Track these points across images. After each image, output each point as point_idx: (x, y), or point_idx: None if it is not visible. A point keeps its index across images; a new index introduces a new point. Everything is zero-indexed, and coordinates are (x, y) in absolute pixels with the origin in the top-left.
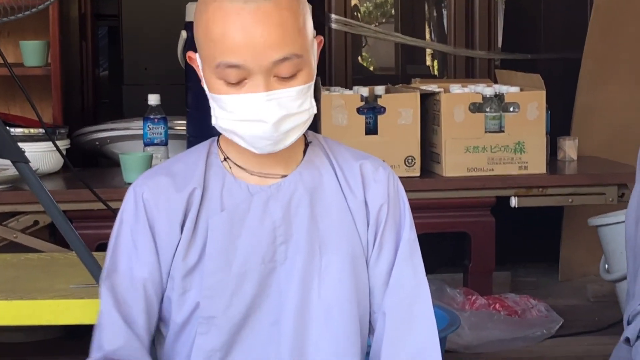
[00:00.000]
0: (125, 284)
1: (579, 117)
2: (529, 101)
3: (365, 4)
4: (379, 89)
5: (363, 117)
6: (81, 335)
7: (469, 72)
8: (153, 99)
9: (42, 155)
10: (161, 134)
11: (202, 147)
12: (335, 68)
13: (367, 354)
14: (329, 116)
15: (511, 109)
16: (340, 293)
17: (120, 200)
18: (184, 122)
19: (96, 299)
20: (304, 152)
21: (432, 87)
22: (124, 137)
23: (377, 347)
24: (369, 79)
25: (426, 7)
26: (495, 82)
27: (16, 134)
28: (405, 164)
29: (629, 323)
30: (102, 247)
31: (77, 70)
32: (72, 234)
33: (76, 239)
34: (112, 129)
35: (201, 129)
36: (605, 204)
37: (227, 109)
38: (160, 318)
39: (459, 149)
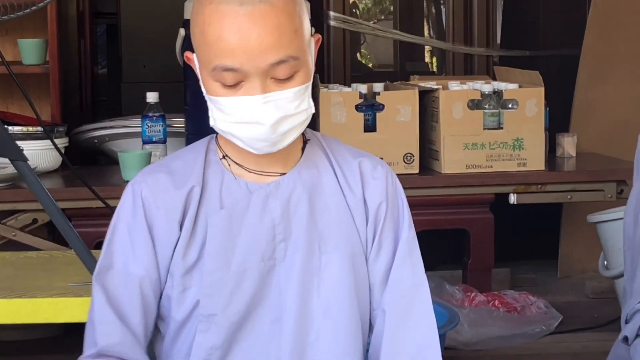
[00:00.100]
0: (119, 281)
1: (578, 113)
2: (527, 98)
3: (363, 1)
4: (378, 86)
5: (362, 114)
6: (80, 333)
7: (467, 69)
8: (151, 97)
9: (41, 153)
10: (160, 131)
11: (200, 145)
12: (334, 65)
13: (367, 351)
14: (328, 113)
15: (510, 106)
16: (340, 291)
17: (119, 198)
18: (183, 119)
19: None
20: (303, 150)
21: (430, 84)
22: (123, 135)
23: (376, 345)
24: (367, 76)
25: (425, 4)
26: (494, 79)
27: (15, 132)
28: (404, 161)
29: (627, 322)
30: (101, 245)
31: (76, 68)
32: (71, 232)
33: (75, 237)
34: (110, 127)
35: (200, 126)
36: (604, 201)
37: (224, 111)
38: (158, 315)
39: (458, 146)
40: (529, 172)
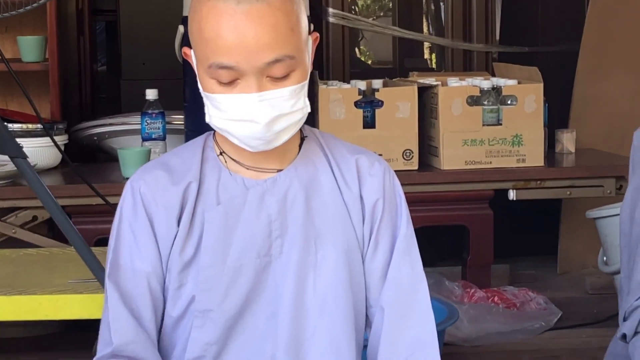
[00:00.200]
0: (129, 279)
1: (577, 109)
2: (526, 94)
3: None
4: (377, 83)
5: (361, 110)
6: (80, 330)
7: (466, 65)
8: (151, 94)
9: (41, 150)
10: (159, 128)
11: (198, 142)
12: (333, 62)
13: (365, 347)
14: (327, 110)
15: (509, 102)
16: (336, 287)
17: (119, 195)
18: (182, 116)
19: (95, 293)
20: (300, 146)
21: (429, 80)
22: (122, 132)
23: (375, 341)
24: (366, 73)
25: (424, 1)
26: (493, 75)
27: (14, 129)
28: (403, 157)
29: (625, 319)
30: (101, 242)
31: (75, 65)
32: (71, 229)
33: (75, 234)
34: (110, 124)
35: (199, 123)
36: (603, 196)
37: (220, 108)
38: None
39: (457, 142)
40: (528, 168)
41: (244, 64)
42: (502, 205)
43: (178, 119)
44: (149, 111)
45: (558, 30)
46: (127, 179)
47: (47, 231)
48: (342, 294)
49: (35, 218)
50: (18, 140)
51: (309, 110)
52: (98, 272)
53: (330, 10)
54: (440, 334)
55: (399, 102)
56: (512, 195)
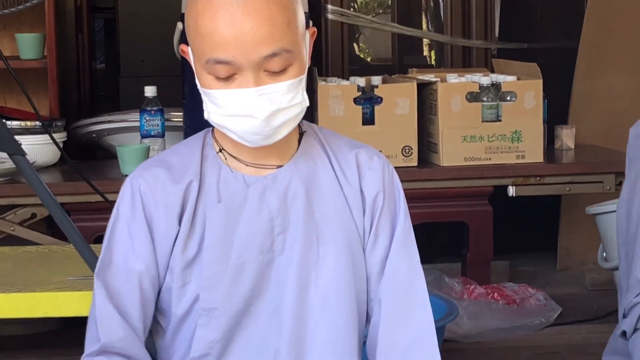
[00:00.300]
0: (119, 277)
1: (576, 105)
2: (526, 90)
3: None
4: (376, 79)
5: (360, 107)
6: (79, 327)
7: (465, 61)
8: (150, 91)
9: (39, 147)
10: (158, 125)
11: (197, 139)
12: (332, 58)
13: (364, 342)
14: (326, 107)
15: (508, 98)
16: (338, 282)
17: (118, 192)
18: (181, 113)
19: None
20: (299, 142)
21: (429, 76)
22: (121, 129)
23: (373, 335)
24: (365, 70)
25: None
26: (492, 71)
27: (13, 126)
28: (402, 153)
29: (624, 316)
30: (100, 240)
31: (74, 63)
32: (70, 227)
33: (74, 231)
34: (109, 121)
35: (198, 120)
36: (603, 192)
37: (217, 104)
38: (159, 310)
39: (456, 139)
40: (527, 164)
41: (241, 58)
42: (501, 202)
43: (177, 116)
44: (148, 108)
45: (557, 26)
46: (126, 176)
47: (46, 229)
48: (344, 288)
49: (34, 215)
50: (17, 137)
51: (307, 104)
52: None
53: (329, 7)
54: (440, 330)
55: (398, 98)
56: (511, 191)
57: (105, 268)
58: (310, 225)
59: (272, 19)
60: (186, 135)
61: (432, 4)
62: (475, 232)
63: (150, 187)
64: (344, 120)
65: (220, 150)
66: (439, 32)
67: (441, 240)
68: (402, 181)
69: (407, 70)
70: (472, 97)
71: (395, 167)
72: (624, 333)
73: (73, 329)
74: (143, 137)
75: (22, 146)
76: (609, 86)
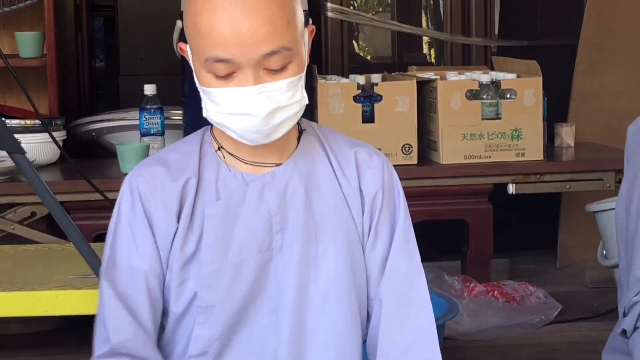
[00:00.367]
0: (125, 277)
1: (576, 103)
2: (525, 88)
3: None
4: (376, 77)
5: (360, 105)
6: (79, 326)
7: (465, 59)
8: (149, 89)
9: (39, 146)
10: (158, 124)
11: (195, 137)
12: (332, 56)
13: (364, 341)
14: (326, 105)
15: (508, 96)
16: (337, 280)
17: (118, 190)
18: (181, 112)
19: (94, 289)
20: (298, 140)
21: (428, 74)
22: (121, 127)
23: (373, 334)
24: (365, 67)
25: None
26: (492, 69)
27: (12, 125)
28: (402, 151)
29: (624, 315)
30: (100, 238)
31: (73, 61)
32: (70, 225)
33: (73, 230)
34: (108, 120)
35: (197, 118)
36: (603, 190)
37: (217, 102)
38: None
39: (456, 136)
40: (527, 162)
41: (240, 56)
42: (501, 200)
43: (176, 115)
44: (148, 107)
45: (557, 23)
46: (126, 174)
47: (45, 227)
48: (343, 287)
49: (33, 214)
50: (16, 136)
51: (306, 102)
52: (97, 268)
53: (329, 4)
54: (440, 328)
55: (398, 96)
56: (511, 189)
57: (111, 268)
58: (310, 224)
59: (272, 17)
60: (186, 134)
61: (431, 2)
62: (475, 230)
63: (149, 185)
64: (344, 118)
65: (219, 148)
66: (438, 29)
67: (441, 238)
68: (401, 179)
69: (406, 68)
70: (472, 94)
71: (395, 165)
72: (624, 331)
73: (73, 328)
74: (143, 135)
75: (22, 145)
76: (608, 84)
